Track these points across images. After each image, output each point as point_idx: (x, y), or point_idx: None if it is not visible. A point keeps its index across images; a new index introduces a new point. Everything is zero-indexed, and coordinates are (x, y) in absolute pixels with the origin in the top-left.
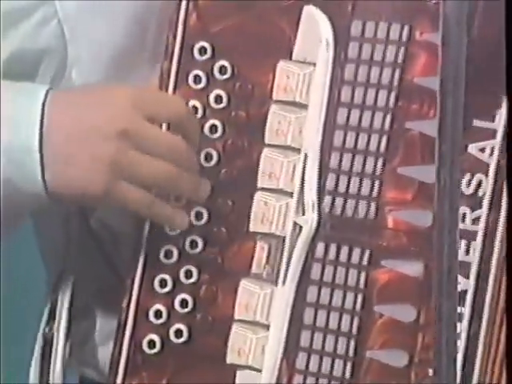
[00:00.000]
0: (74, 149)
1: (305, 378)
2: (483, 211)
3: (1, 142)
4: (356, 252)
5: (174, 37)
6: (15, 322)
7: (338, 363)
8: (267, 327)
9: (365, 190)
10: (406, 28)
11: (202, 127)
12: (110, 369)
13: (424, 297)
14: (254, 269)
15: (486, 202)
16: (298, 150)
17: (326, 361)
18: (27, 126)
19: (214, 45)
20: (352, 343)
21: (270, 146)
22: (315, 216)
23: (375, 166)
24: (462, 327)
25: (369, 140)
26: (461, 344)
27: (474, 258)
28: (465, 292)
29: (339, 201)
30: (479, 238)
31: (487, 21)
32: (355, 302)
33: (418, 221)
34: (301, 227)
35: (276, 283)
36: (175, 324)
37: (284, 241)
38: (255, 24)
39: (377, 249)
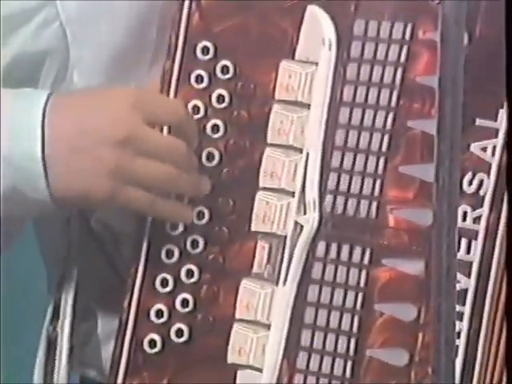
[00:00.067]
0: (77, 154)
1: (305, 378)
2: (484, 210)
3: (2, 150)
4: (357, 251)
5: (177, 36)
6: (15, 321)
7: (339, 362)
8: (268, 327)
9: (366, 189)
10: (409, 27)
11: (204, 127)
12: (110, 368)
13: (424, 296)
14: (255, 268)
15: (487, 201)
16: (300, 150)
17: (327, 360)
18: (28, 132)
19: (216, 44)
20: (352, 342)
21: (271, 145)
22: (316, 215)
23: (377, 164)
24: (463, 326)
25: (370, 139)
26: (461, 343)
27: (475, 256)
28: (465, 291)
29: (340, 200)
30: (480, 236)
31: (487, 21)
32: (356, 301)
33: (419, 219)
34: (302, 226)
35: (277, 283)
36: (176, 323)
37: (285, 240)
38: (258, 24)
39: (378, 247)
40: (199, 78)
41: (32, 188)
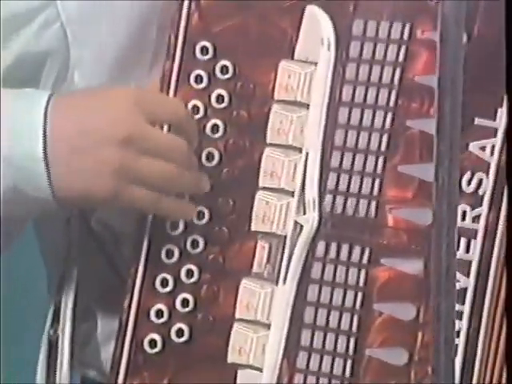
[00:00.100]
0: (78, 155)
1: (305, 377)
2: (483, 209)
3: (2, 150)
4: (356, 250)
5: (176, 36)
6: (15, 322)
7: (338, 362)
8: (268, 326)
9: (365, 189)
10: (407, 27)
11: (204, 127)
12: (111, 368)
13: (424, 295)
14: (254, 268)
15: (486, 201)
16: (300, 150)
17: (327, 359)
18: (29, 132)
19: (215, 44)
20: (352, 341)
21: (271, 145)
22: (316, 215)
23: (376, 164)
24: (462, 325)
25: (369, 139)
26: (460, 342)
27: (474, 256)
28: (465, 290)
29: (340, 199)
30: (479, 236)
31: (486, 20)
32: (355, 301)
33: (419, 219)
34: (301, 226)
35: (277, 282)
36: (176, 323)
37: (285, 240)
38: (257, 24)
39: (377, 247)
40: (199, 78)
41: (33, 188)
